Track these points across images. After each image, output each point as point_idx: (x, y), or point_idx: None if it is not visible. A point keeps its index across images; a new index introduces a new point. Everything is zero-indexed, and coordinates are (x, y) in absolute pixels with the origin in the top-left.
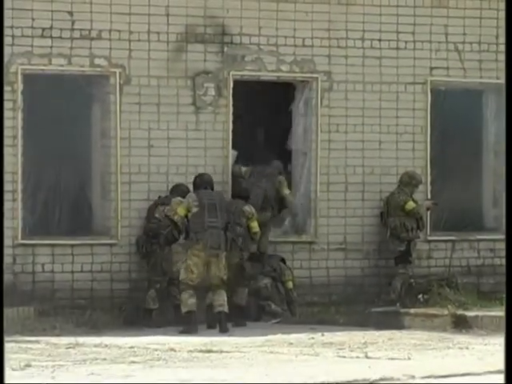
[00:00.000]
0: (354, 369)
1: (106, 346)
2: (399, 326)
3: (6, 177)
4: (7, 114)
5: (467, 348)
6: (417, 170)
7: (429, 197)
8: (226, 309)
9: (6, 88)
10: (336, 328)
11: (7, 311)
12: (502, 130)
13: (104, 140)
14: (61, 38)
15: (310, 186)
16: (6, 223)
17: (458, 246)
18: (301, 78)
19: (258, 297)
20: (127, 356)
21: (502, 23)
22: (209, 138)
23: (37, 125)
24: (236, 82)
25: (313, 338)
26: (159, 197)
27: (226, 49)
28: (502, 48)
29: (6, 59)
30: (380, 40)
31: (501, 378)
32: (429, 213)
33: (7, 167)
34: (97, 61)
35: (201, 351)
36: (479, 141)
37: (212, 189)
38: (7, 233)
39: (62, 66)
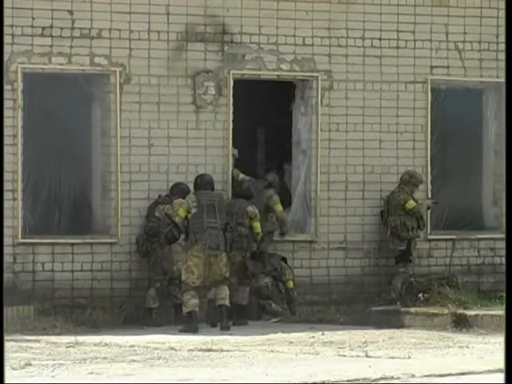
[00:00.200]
0: (354, 368)
1: (106, 344)
2: (399, 325)
3: (6, 176)
4: (7, 112)
5: (467, 347)
6: (417, 169)
7: (429, 196)
8: (227, 302)
9: (6, 87)
10: (336, 327)
11: (7, 310)
12: (503, 128)
13: (104, 139)
14: (61, 36)
15: (310, 185)
16: (6, 222)
17: (459, 245)
18: (301, 76)
19: (258, 296)
20: (127, 355)
21: (503, 22)
22: (209, 137)
23: (37, 124)
24: (236, 81)
25: (313, 337)
26: (159, 196)
27: (226, 48)
28: (503, 47)
29: (6, 58)
30: (380, 39)
31: (501, 376)
32: (429, 212)
33: (7, 166)
34: (97, 60)
35: (201, 350)
36: (479, 140)
37: (212, 189)
38: (7, 232)
39: (62, 64)
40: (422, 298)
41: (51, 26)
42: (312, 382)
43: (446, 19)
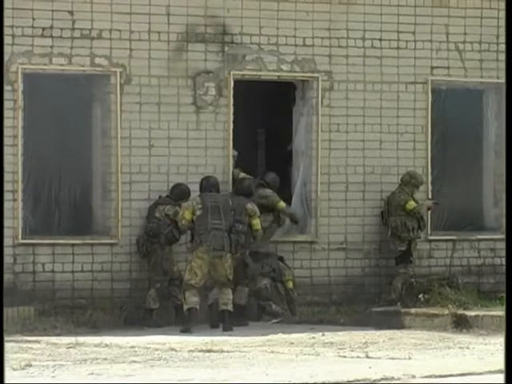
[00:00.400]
0: (354, 368)
1: (107, 345)
2: (400, 326)
3: (7, 177)
4: (7, 113)
5: (468, 348)
6: (417, 169)
7: (429, 196)
8: (230, 307)
9: (7, 87)
10: (337, 328)
11: (8, 311)
12: (503, 129)
13: (104, 140)
14: (61, 37)
15: (310, 185)
16: (7, 223)
17: (459, 246)
18: (301, 77)
19: (258, 297)
20: (128, 356)
21: (503, 23)
22: (209, 138)
23: (37, 124)
24: (236, 82)
25: (313, 338)
26: (160, 196)
27: (226, 48)
28: (503, 47)
29: (6, 58)
30: (381, 39)
31: (501, 377)
32: (429, 212)
33: (7, 167)
34: (97, 60)
35: (201, 351)
36: (480, 140)
37: (218, 191)
38: (7, 232)
39: (62, 65)
40: (422, 299)
41: (51, 27)
42: (312, 382)
43: (447, 20)
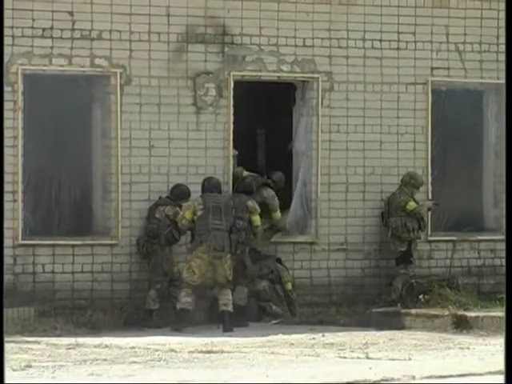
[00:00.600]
0: (354, 369)
1: (107, 346)
2: (400, 327)
3: (7, 177)
4: (7, 114)
5: (468, 348)
6: (418, 170)
7: (430, 197)
8: (230, 308)
9: (7, 88)
10: (337, 328)
11: (7, 312)
12: (503, 130)
13: (105, 140)
14: (61, 38)
15: (310, 186)
16: (7, 224)
17: (459, 247)
18: (301, 78)
19: (257, 299)
20: (128, 356)
21: (503, 23)
22: (209, 139)
23: (37, 125)
24: (236, 83)
25: (313, 339)
26: (160, 197)
27: (226, 49)
28: (503, 48)
29: (6, 59)
30: (381, 40)
31: (501, 378)
32: (430, 213)
33: (8, 168)
34: (97, 61)
35: (201, 352)
36: (480, 141)
37: (219, 192)
38: (7, 233)
39: (62, 66)
40: (422, 300)
41: (51, 28)
42: (312, 383)
43: (447, 20)
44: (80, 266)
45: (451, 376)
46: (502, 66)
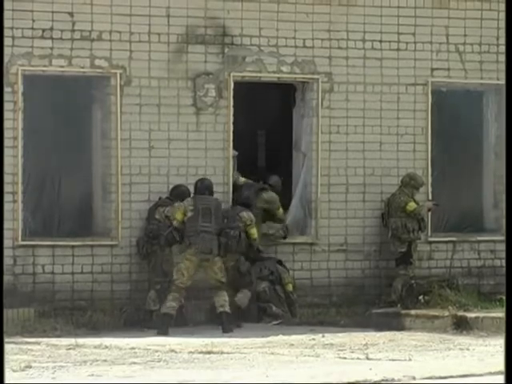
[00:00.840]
0: (354, 370)
1: (107, 347)
2: (400, 327)
3: (7, 178)
4: (7, 115)
5: (468, 349)
6: (418, 171)
7: (430, 198)
8: (227, 309)
9: (7, 89)
10: (337, 329)
11: (7, 312)
12: (503, 130)
13: (104, 141)
14: (61, 39)
15: (310, 187)
16: (7, 224)
17: (459, 247)
18: (301, 79)
19: (257, 300)
20: (127, 357)
21: (503, 24)
22: (209, 140)
23: (37, 126)
24: (236, 83)
25: (313, 340)
26: (160, 198)
27: (226, 50)
28: (503, 49)
29: (6, 60)
30: (381, 41)
31: (501, 379)
32: (430, 214)
33: (7, 168)
34: (97, 62)
35: (201, 352)
36: (480, 142)
37: (211, 194)
38: (7, 234)
39: (62, 67)
40: (422, 300)
41: (51, 28)
42: (312, 383)
43: (447, 21)
44: (80, 267)
45: (451, 377)
46: (502, 66)
